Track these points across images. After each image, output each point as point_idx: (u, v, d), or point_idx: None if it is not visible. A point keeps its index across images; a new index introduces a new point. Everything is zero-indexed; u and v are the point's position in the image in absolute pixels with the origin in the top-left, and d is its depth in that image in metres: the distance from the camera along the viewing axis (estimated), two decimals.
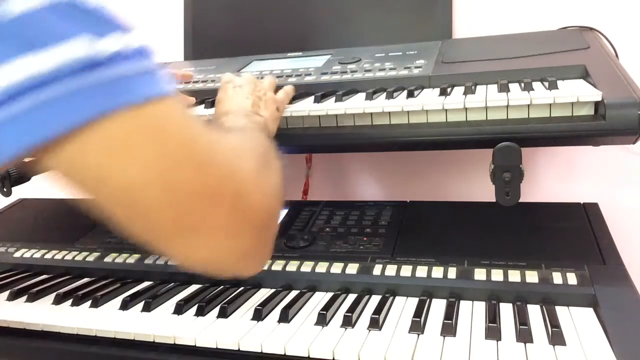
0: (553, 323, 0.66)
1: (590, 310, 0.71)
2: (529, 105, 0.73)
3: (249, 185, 0.46)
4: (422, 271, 0.81)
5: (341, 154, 1.36)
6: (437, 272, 0.81)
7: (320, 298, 0.81)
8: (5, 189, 1.00)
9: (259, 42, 1.28)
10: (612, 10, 1.13)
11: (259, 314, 0.75)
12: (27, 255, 1.03)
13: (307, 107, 0.83)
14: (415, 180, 1.34)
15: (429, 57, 1.00)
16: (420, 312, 0.72)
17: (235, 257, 0.46)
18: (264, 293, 0.84)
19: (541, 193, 1.23)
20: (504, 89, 0.77)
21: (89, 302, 0.84)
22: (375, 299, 0.79)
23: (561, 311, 0.71)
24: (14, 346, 0.79)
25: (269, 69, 1.09)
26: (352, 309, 0.74)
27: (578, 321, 0.69)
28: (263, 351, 0.68)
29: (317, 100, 0.85)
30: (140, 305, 0.81)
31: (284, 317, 0.74)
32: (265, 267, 0.88)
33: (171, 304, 0.82)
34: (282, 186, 0.54)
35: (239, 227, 0.44)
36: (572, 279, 0.75)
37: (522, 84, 0.78)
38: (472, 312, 0.73)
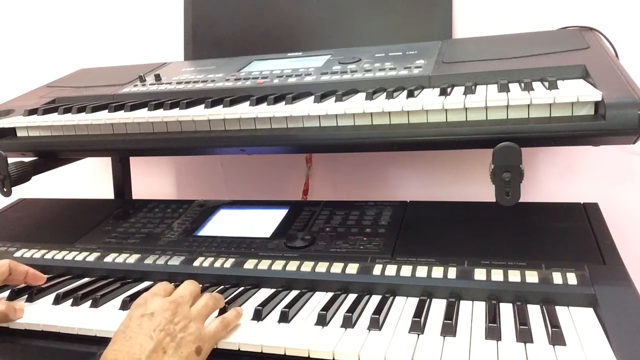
0: (553, 323, 0.66)
1: (590, 310, 0.71)
2: (529, 105, 0.73)
3: None
4: (422, 271, 0.81)
5: (341, 154, 1.36)
6: (437, 272, 0.81)
7: (320, 298, 0.81)
8: (5, 189, 1.00)
9: (259, 42, 1.28)
10: (612, 10, 1.13)
11: (259, 314, 0.75)
12: (27, 255, 1.03)
13: (307, 107, 0.83)
14: (415, 180, 1.34)
15: (429, 57, 1.00)
16: (420, 312, 0.72)
17: None
18: (264, 293, 0.84)
19: (541, 193, 1.23)
20: (504, 89, 0.77)
21: (89, 302, 0.84)
22: (375, 299, 0.79)
23: (561, 311, 0.71)
24: (14, 346, 0.79)
25: (269, 69, 1.09)
26: (352, 309, 0.74)
27: (578, 321, 0.69)
28: (263, 351, 0.68)
29: (317, 100, 0.85)
30: None
31: (284, 317, 0.74)
32: (265, 267, 0.88)
33: None
34: None
35: None
36: (572, 279, 0.75)
37: (522, 84, 0.78)
38: (472, 312, 0.73)
